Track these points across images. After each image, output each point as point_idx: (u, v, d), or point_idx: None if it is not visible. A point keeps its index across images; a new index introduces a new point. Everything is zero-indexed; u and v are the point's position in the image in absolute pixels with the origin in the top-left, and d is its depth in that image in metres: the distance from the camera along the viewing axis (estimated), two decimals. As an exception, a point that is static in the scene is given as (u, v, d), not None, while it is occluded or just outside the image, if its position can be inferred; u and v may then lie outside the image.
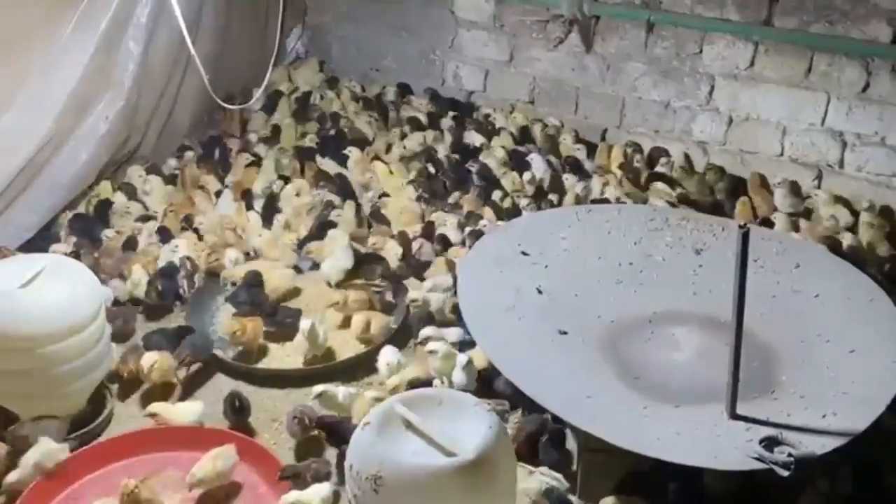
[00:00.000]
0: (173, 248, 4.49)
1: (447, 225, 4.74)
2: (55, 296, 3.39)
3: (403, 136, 5.80)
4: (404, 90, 6.38)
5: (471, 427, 2.67)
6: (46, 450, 3.21)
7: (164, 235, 4.66)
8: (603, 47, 5.64)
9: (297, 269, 4.49)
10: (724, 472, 2.88)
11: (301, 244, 4.61)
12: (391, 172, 5.33)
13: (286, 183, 5.21)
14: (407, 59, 6.42)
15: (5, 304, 3.32)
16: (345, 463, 2.71)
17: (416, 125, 5.92)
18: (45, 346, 3.34)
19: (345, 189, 5.11)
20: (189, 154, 5.61)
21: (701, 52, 5.32)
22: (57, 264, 3.54)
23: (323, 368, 3.87)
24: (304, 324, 3.84)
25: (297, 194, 5.09)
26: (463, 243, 4.54)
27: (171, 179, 5.33)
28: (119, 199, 5.00)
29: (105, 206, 4.93)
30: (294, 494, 3.00)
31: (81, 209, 4.95)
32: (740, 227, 2.73)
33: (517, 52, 5.96)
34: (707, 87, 5.37)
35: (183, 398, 3.70)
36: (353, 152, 5.49)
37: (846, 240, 4.59)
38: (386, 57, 6.53)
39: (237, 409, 3.57)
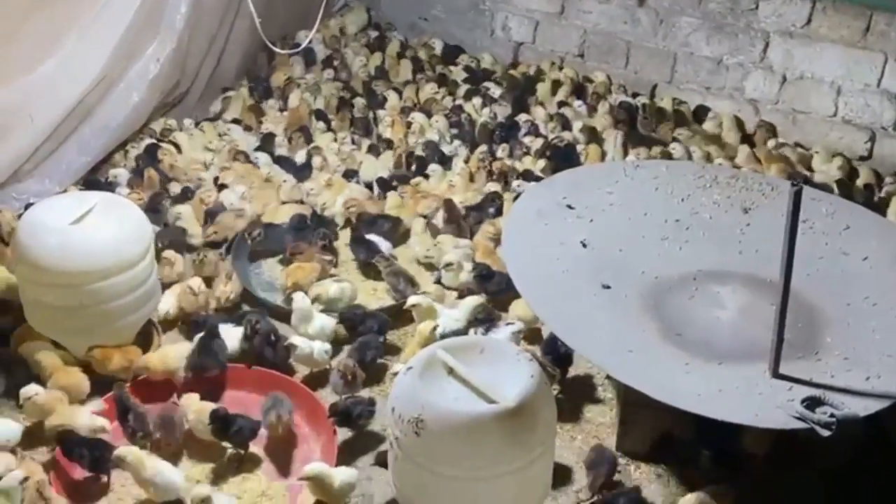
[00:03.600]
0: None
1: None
2: (106, 233, 3.46)
3: (448, 94, 5.82)
4: (451, 51, 6.34)
5: (512, 376, 2.69)
6: None
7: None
8: (656, 0, 5.54)
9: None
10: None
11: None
12: (430, 125, 5.37)
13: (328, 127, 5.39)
14: (456, 8, 6.35)
15: (57, 240, 3.40)
16: (387, 405, 2.74)
17: (456, 85, 5.93)
18: (95, 282, 3.41)
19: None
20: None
21: (757, 7, 5.21)
22: (108, 202, 3.61)
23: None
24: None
25: (335, 140, 5.24)
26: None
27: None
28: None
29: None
30: None
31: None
32: (793, 184, 2.69)
33: (568, 4, 5.87)
34: (761, 44, 5.27)
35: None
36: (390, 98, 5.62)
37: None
38: (435, 6, 6.47)
39: (272, 343, 3.61)
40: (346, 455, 3.25)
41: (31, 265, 3.41)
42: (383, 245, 4.32)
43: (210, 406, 3.29)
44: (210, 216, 4.45)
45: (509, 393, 2.60)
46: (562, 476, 3.20)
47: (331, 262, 4.22)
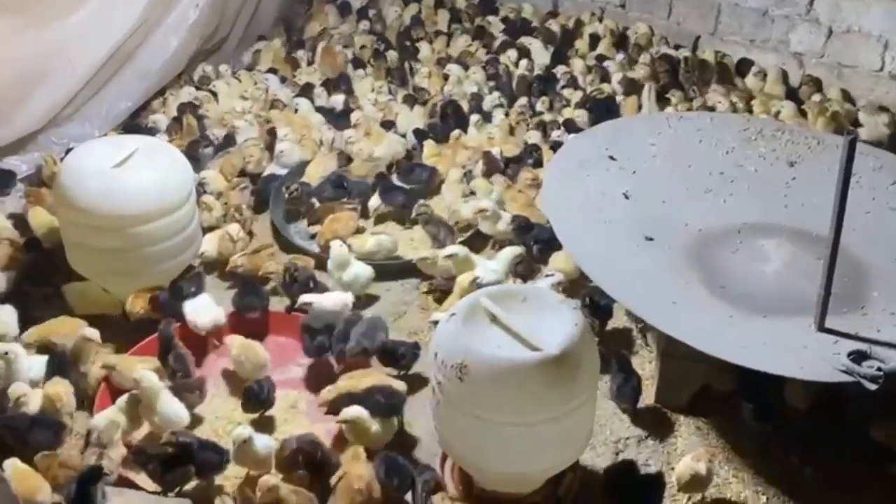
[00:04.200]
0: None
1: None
2: (148, 176, 3.46)
3: (483, 46, 5.77)
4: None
5: (555, 324, 2.67)
6: None
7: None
8: (701, -50, 5.44)
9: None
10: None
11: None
12: (467, 77, 5.32)
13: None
14: (494, -43, 6.27)
15: (100, 184, 3.41)
16: (430, 351, 2.74)
17: (493, 37, 5.87)
18: (137, 225, 3.43)
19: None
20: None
21: (804, -42, 5.10)
22: (150, 146, 3.61)
23: (394, 265, 3.97)
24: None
25: (373, 90, 5.20)
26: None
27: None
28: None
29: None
30: None
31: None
32: (848, 132, 2.63)
33: (611, -47, 5.79)
34: (809, -5, 5.17)
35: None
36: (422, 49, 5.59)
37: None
38: (472, -46, 6.38)
39: (311, 290, 3.61)
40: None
41: (74, 208, 3.43)
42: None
43: (253, 343, 3.34)
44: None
45: (552, 340, 2.59)
46: (600, 426, 3.20)
47: (355, 210, 4.20)
